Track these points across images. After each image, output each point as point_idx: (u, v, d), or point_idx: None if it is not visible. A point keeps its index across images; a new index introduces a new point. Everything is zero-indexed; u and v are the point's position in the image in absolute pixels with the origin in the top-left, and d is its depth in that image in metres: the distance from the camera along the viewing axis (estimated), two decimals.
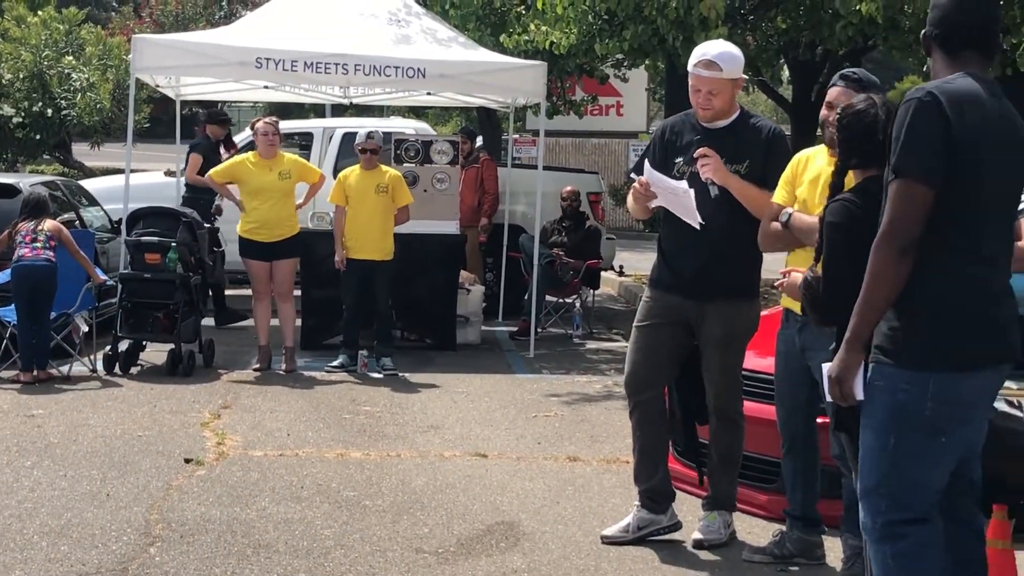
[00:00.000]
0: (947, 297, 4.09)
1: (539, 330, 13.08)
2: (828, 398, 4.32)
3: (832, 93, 5.78)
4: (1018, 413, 4.61)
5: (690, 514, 6.68)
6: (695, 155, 6.20)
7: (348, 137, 14.82)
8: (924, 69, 19.60)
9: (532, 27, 13.42)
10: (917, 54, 16.39)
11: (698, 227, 6.14)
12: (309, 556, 6.18)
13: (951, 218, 4.06)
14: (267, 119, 11.46)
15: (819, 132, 5.85)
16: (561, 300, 14.19)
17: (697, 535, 6.47)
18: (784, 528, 6.25)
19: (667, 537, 6.50)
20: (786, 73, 18.50)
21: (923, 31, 4.33)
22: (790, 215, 5.76)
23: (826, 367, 4.28)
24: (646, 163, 6.33)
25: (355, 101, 16.43)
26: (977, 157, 4.05)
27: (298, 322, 11.82)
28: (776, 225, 5.81)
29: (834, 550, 6.06)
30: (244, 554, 6.18)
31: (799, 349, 5.87)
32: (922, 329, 4.09)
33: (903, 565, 4.15)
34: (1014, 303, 4.22)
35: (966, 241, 4.09)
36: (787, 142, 6.33)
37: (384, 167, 11.60)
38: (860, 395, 4.20)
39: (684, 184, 6.18)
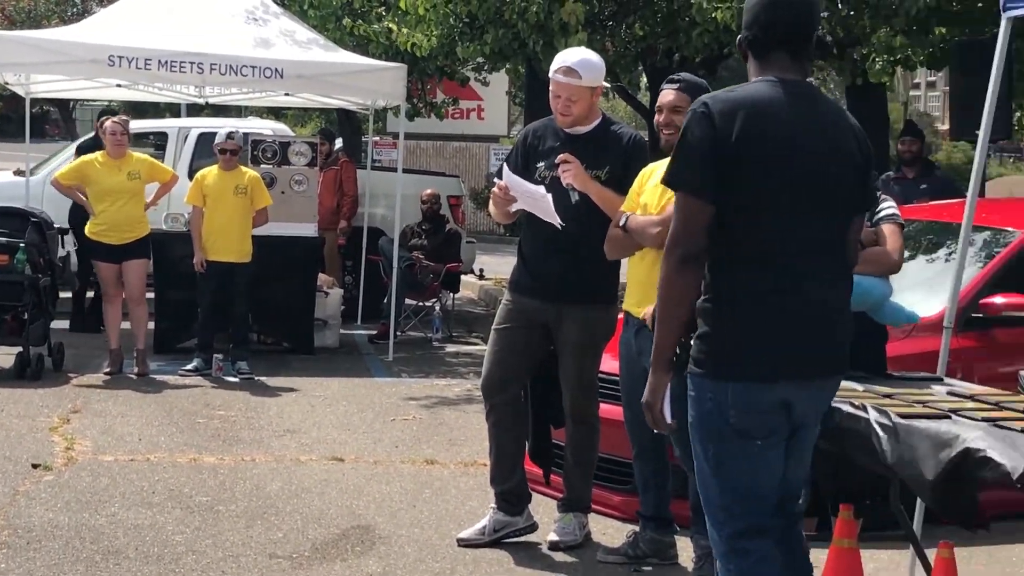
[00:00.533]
0: (742, 308, 4.01)
1: (398, 333, 13.04)
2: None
3: (662, 98, 5.88)
4: (862, 415, 4.68)
5: (546, 516, 6.71)
6: (556, 160, 6.23)
7: (204, 137, 14.63)
8: None
9: (393, 28, 13.36)
10: None
11: (559, 227, 6.18)
12: (160, 562, 6.07)
13: (742, 227, 3.99)
14: (115, 118, 11.23)
15: (660, 138, 5.92)
16: (421, 303, 14.15)
17: (552, 536, 6.50)
18: (638, 529, 6.31)
19: (523, 539, 6.53)
20: (644, 80, 18.67)
21: (739, 37, 4.25)
22: (628, 218, 5.82)
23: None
24: (505, 167, 6.36)
25: (211, 101, 16.22)
26: (762, 164, 3.96)
27: (151, 325, 11.60)
28: (617, 230, 5.87)
29: (687, 550, 6.13)
30: (93, 560, 6.05)
31: (636, 353, 5.93)
32: (720, 339, 4.01)
33: None
34: (828, 312, 4.10)
35: (760, 251, 4.00)
36: (647, 150, 6.40)
37: (244, 168, 11.47)
38: (669, 419, 4.15)
39: (542, 189, 6.22)
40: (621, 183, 6.17)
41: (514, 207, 6.34)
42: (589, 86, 6.29)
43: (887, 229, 5.63)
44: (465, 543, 6.48)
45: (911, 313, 5.74)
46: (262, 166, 12.49)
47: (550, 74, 6.34)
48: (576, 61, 6.29)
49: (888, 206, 5.76)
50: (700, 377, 4.06)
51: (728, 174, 3.97)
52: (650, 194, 5.89)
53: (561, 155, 6.22)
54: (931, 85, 64.42)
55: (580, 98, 6.28)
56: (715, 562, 4.27)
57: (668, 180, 4.11)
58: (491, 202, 6.53)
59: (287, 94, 14.74)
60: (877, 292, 5.50)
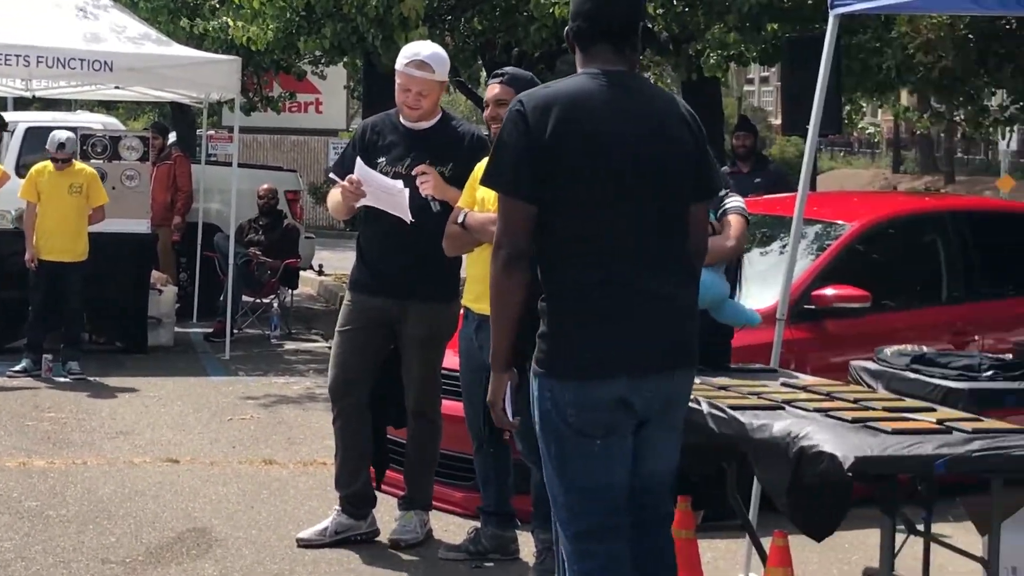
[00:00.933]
0: (571, 305, 3.98)
1: (235, 331, 12.83)
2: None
3: (488, 92, 5.91)
4: (695, 407, 4.71)
5: (387, 514, 6.65)
6: (414, 172, 6.15)
7: (32, 132, 14.25)
8: None
9: (230, 23, 13.15)
10: None
11: (409, 222, 6.11)
12: None
13: (565, 223, 3.96)
14: None
15: (488, 132, 5.93)
16: (258, 300, 13.97)
17: (394, 535, 6.45)
18: (479, 525, 6.29)
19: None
20: (484, 74, 18.70)
21: (566, 29, 4.22)
22: (466, 215, 5.81)
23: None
24: (358, 161, 6.24)
25: (38, 94, 15.79)
26: (577, 158, 3.94)
27: None
28: (455, 227, 5.85)
29: (528, 544, 6.13)
30: None
31: (477, 347, 5.92)
32: (554, 338, 3.99)
33: None
34: (664, 303, 4.03)
35: (585, 245, 3.97)
36: (488, 146, 6.37)
37: (79, 164, 11.20)
38: (511, 417, 4.15)
39: (399, 183, 6.14)
40: (465, 180, 6.14)
41: (361, 202, 6.25)
42: (440, 80, 6.27)
43: (732, 219, 5.63)
44: (305, 543, 6.39)
45: (752, 314, 5.74)
46: (92, 161, 12.16)
47: (399, 67, 6.26)
48: (429, 55, 6.25)
49: (735, 199, 5.77)
50: (540, 376, 4.04)
51: (545, 171, 3.95)
52: (487, 189, 5.87)
53: (418, 167, 6.14)
54: (764, 80, 65.67)
55: (431, 92, 6.24)
56: (561, 559, 4.25)
57: (486, 180, 4.08)
58: (330, 197, 6.44)
59: (117, 87, 14.42)
60: (716, 289, 5.48)
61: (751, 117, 18.07)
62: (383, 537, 6.47)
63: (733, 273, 5.83)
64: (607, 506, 4.05)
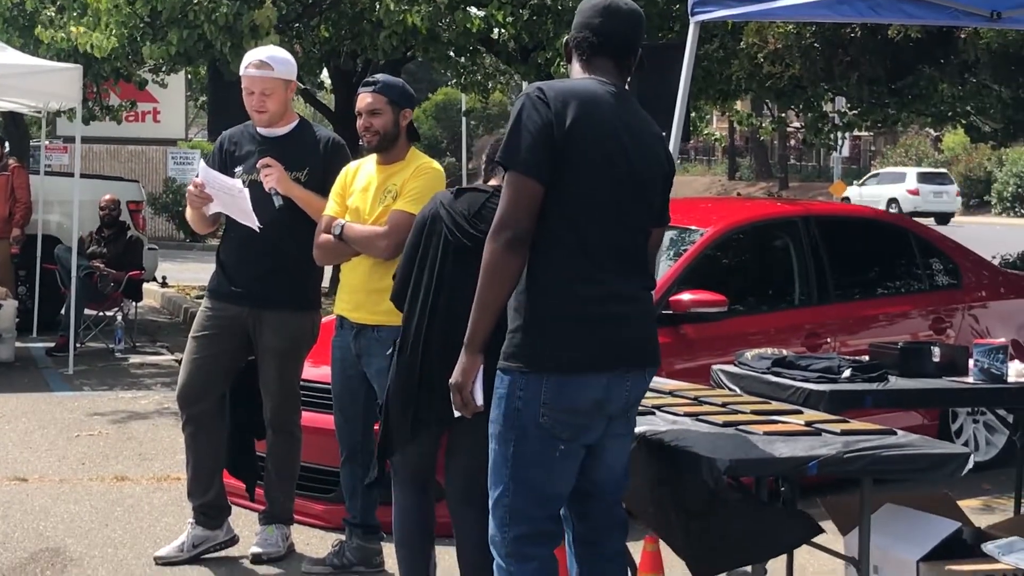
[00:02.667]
0: (556, 302, 4.00)
1: (78, 345, 12.51)
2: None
3: (359, 102, 5.85)
4: None
5: (247, 528, 6.52)
6: (258, 165, 6.08)
7: None
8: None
9: (73, 28, 12.78)
10: (455, 65, 16.86)
11: (257, 230, 6.03)
12: None
13: (563, 216, 4.00)
14: None
15: (361, 142, 5.87)
16: (101, 313, 13.64)
17: (255, 549, 6.32)
18: (343, 537, 6.20)
19: (224, 553, 6.33)
20: (329, 82, 18.55)
21: (565, 37, 4.31)
22: (343, 227, 5.75)
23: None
24: (201, 163, 6.20)
25: None
26: (584, 155, 4.00)
27: None
28: (329, 237, 5.78)
29: (392, 556, 6.04)
30: None
31: (355, 355, 5.85)
32: (533, 332, 4.00)
33: None
34: (639, 308, 4.13)
35: (578, 242, 4.01)
36: (347, 151, 6.32)
37: None
38: (480, 401, 4.09)
39: (239, 183, 6.08)
40: (322, 185, 6.09)
41: (211, 208, 6.16)
42: (282, 78, 6.20)
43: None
44: (163, 561, 6.23)
45: None
46: None
47: (242, 72, 6.23)
48: (267, 55, 6.25)
49: None
50: (513, 373, 4.02)
51: (557, 160, 3.98)
52: (360, 198, 5.82)
53: (262, 159, 6.09)
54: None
55: (274, 91, 6.17)
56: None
57: (503, 159, 4.04)
58: (188, 206, 6.34)
59: None
60: None
61: None
62: (245, 551, 6.34)
63: None
64: (551, 512, 4.12)
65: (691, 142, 49.12)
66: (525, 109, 4.01)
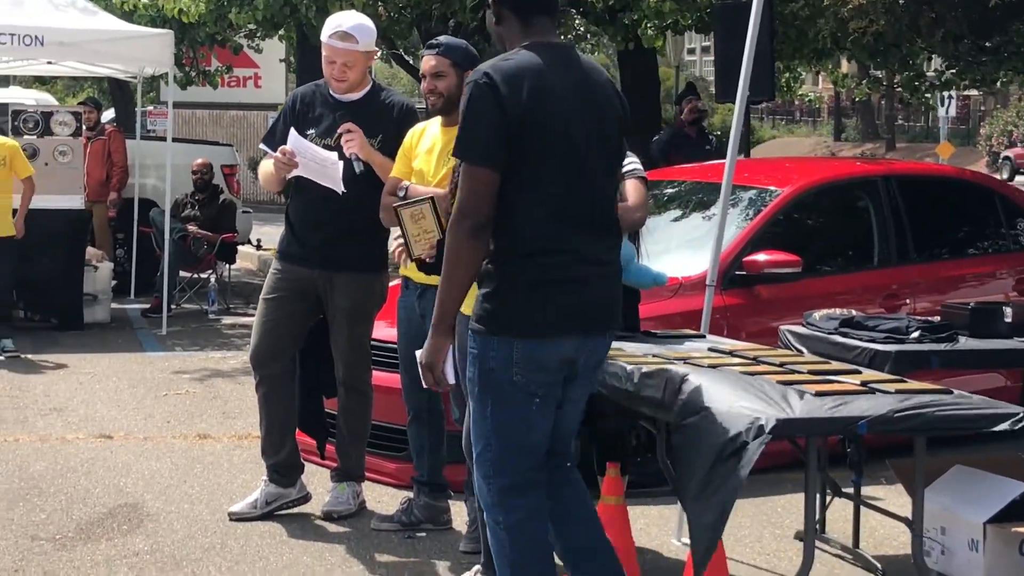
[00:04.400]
0: (524, 265, 4.09)
1: (172, 307, 12.74)
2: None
3: (423, 64, 5.84)
4: (621, 370, 4.72)
5: (320, 486, 6.62)
6: (339, 130, 6.10)
7: None
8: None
9: None
10: None
11: (340, 194, 6.07)
12: None
13: (524, 190, 4.07)
14: None
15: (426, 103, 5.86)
16: (196, 275, 13.86)
17: (326, 507, 6.42)
18: (412, 495, 6.27)
19: (296, 510, 6.43)
20: (421, 46, 18.60)
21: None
22: (407, 188, 5.77)
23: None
24: (292, 132, 6.19)
25: None
26: (541, 129, 4.06)
27: None
28: (394, 199, 5.82)
29: (460, 515, 6.12)
30: None
31: (419, 315, 5.89)
32: (496, 299, 4.11)
33: (515, 537, 4.20)
34: (603, 267, 4.21)
35: (542, 210, 4.09)
36: (418, 117, 6.33)
37: (0, 138, 11.02)
38: (451, 379, 4.24)
39: (334, 155, 6.08)
40: (394, 151, 6.10)
41: (293, 173, 6.20)
42: (365, 51, 6.20)
43: (630, 184, 5.56)
44: (236, 517, 6.35)
45: (659, 274, 5.71)
46: (24, 137, 12.04)
47: (323, 39, 6.22)
48: (352, 26, 6.19)
49: (631, 161, 5.67)
50: (483, 335, 4.13)
51: (513, 141, 4.03)
52: (424, 160, 5.84)
53: (344, 124, 6.10)
54: (706, 50, 65.80)
55: (356, 63, 6.18)
56: (480, 524, 4.29)
57: (458, 152, 4.12)
58: (262, 168, 6.40)
59: (50, 62, 14.22)
60: (624, 252, 5.47)
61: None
62: (316, 509, 6.44)
63: (634, 235, 5.76)
64: (532, 461, 4.23)
65: (793, 103, 48.55)
66: (474, 97, 4.05)
